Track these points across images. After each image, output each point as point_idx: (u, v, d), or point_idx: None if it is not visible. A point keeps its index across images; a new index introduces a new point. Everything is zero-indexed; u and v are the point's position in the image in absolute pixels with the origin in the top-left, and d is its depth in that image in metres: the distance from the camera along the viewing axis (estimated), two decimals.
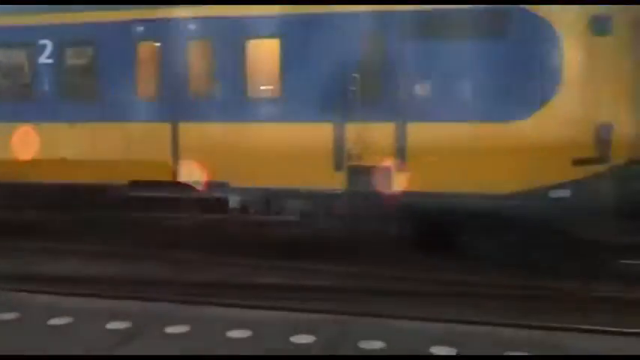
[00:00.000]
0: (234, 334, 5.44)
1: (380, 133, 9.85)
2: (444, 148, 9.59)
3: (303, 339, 5.30)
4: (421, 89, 9.64)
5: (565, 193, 9.40)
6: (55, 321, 5.97)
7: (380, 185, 9.94)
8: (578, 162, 9.47)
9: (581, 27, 9.30)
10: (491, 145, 9.42)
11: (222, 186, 10.60)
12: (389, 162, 9.89)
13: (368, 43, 9.88)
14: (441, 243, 10.38)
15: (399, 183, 9.89)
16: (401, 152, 9.80)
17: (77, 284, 9.12)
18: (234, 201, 10.56)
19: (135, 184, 10.99)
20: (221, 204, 10.62)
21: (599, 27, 9.31)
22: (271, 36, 10.32)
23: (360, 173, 10.03)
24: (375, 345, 5.12)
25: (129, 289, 8.90)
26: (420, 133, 9.70)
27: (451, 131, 9.56)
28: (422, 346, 5.06)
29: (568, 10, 9.30)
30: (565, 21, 9.28)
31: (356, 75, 9.83)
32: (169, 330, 5.57)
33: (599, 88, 9.63)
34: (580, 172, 9.44)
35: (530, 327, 6.50)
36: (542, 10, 9.22)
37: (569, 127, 9.37)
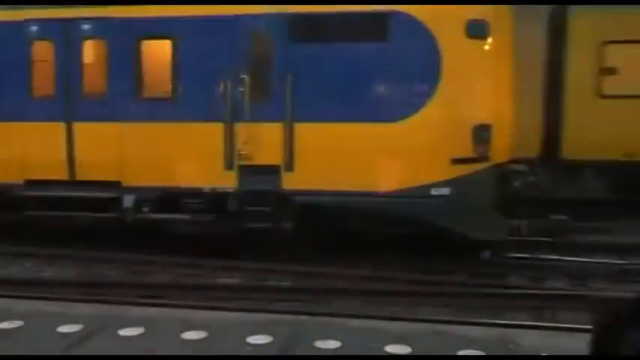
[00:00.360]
0: (190, 335, 5.39)
1: (268, 133, 10.05)
2: (330, 148, 9.85)
3: (259, 339, 5.27)
4: (307, 90, 9.86)
5: (445, 191, 9.75)
6: (4, 325, 5.80)
7: (269, 184, 10.15)
8: (457, 161, 9.83)
9: (458, 30, 9.63)
10: (374, 145, 9.73)
11: (115, 185, 10.67)
12: (277, 161, 10.10)
13: (255, 44, 10.08)
14: (332, 240, 10.72)
15: (288, 182, 10.11)
16: (289, 152, 10.02)
17: (29, 287, 8.94)
18: (127, 200, 10.63)
19: (30, 184, 10.98)
20: (115, 203, 10.68)
21: (475, 30, 9.67)
22: (164, 36, 10.43)
23: (249, 172, 10.22)
24: (331, 344, 5.15)
25: (82, 291, 8.81)
26: (306, 133, 9.93)
27: (336, 131, 9.82)
28: (377, 345, 5.09)
29: (445, 13, 9.63)
30: (442, 24, 9.59)
31: (244, 76, 10.01)
32: (123, 332, 5.48)
33: (476, 89, 10.02)
34: (459, 171, 9.80)
35: (484, 324, 6.70)
36: (419, 13, 9.52)
37: (447, 128, 9.71)
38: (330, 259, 10.26)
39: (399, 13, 9.52)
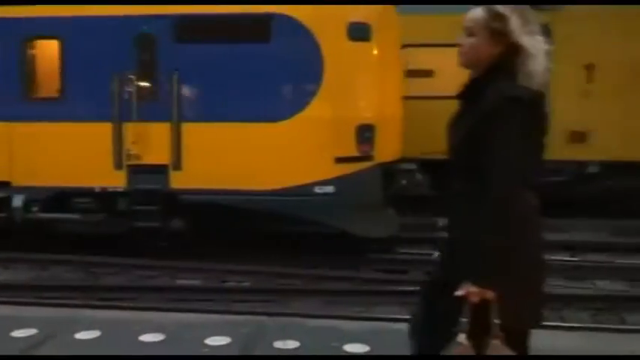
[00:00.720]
0: (147, 337, 5.22)
1: (156, 132, 10.14)
2: (216, 147, 10.00)
3: (218, 340, 5.15)
4: (193, 90, 10.01)
5: (329, 189, 9.96)
6: None
7: (158, 183, 10.24)
8: (341, 160, 10.06)
9: (340, 32, 9.86)
10: (259, 144, 9.90)
11: (5, 185, 10.62)
12: (166, 161, 10.20)
13: (142, 44, 10.16)
14: (220, 238, 10.88)
15: (176, 181, 10.22)
16: (177, 151, 10.13)
17: None
18: (17, 200, 10.58)
19: None
20: (3, 203, 10.63)
21: (357, 33, 9.90)
22: (51, 37, 10.44)
23: (139, 172, 10.29)
24: (290, 345, 5.08)
25: (37, 294, 8.62)
26: (193, 132, 10.06)
27: (222, 131, 9.97)
28: (336, 345, 5.04)
29: (326, 15, 9.86)
30: (323, 26, 9.81)
31: (132, 76, 10.08)
32: (79, 336, 5.28)
33: (359, 90, 10.29)
34: (343, 170, 10.02)
35: None
36: (300, 15, 9.72)
37: (330, 127, 9.92)
38: (290, 259, 10.32)
39: (279, 14, 9.71)
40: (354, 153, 10.09)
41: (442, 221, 11.59)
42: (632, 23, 12.12)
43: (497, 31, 2.88)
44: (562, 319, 7.88)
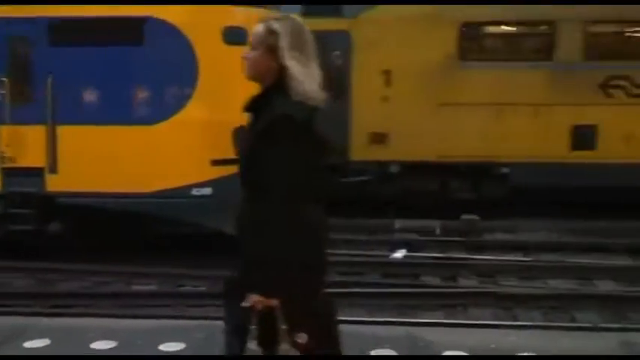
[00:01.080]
0: (100, 345, 5.15)
1: (31, 135, 10.07)
2: (92, 150, 9.97)
3: (172, 346, 5.11)
4: (68, 93, 9.97)
5: (207, 191, 10.05)
6: None
7: (34, 186, 10.15)
8: (219, 162, 10.15)
9: (215, 36, 9.97)
10: (136, 146, 9.92)
11: None
12: (41, 163, 10.13)
13: (15, 46, 10.10)
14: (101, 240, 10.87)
15: (52, 184, 10.15)
16: (52, 154, 10.07)
17: None
18: None
19: None
20: None
21: (232, 37, 10.01)
22: None
23: (14, 175, 10.19)
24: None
25: None
26: (69, 135, 10.02)
27: (97, 134, 9.96)
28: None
29: (201, 19, 9.97)
30: (198, 30, 9.92)
31: (4, 79, 10.00)
32: (28, 345, 5.15)
33: (237, 94, 10.30)
34: (221, 172, 10.11)
35: (393, 323, 6.79)
36: (174, 18, 9.81)
37: (206, 130, 10.03)
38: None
39: (152, 17, 9.78)
40: (232, 155, 10.14)
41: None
42: (423, 29, 12.76)
43: (271, 47, 2.98)
44: (514, 318, 8.13)
